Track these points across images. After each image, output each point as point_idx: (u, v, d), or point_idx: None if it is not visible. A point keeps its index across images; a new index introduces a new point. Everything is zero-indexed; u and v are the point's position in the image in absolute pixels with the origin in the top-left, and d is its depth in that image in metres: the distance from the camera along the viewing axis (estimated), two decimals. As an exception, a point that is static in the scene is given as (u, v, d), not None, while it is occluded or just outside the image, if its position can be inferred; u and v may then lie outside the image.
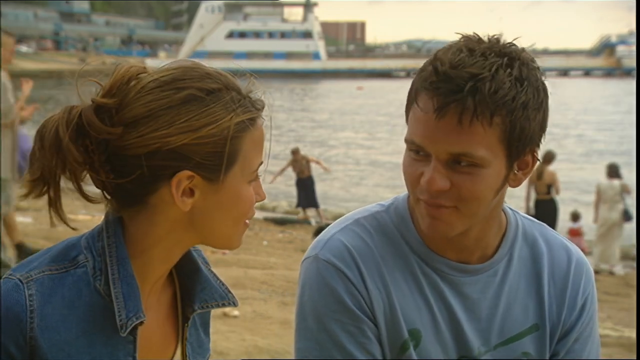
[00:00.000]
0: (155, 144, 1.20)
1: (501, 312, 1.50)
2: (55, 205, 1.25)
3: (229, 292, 1.40)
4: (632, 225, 11.71)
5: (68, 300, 1.22)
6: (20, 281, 1.20)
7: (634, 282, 10.27)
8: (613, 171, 11.96)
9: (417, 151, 1.39)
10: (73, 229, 1.28)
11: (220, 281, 1.41)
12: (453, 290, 1.49)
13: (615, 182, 11.77)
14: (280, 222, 14.54)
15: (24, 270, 1.22)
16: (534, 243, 1.55)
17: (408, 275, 1.49)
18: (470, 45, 1.35)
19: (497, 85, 1.30)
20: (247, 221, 1.32)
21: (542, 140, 1.41)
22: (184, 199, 1.23)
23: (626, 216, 11.67)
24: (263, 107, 1.30)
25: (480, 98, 1.30)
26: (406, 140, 1.41)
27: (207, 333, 1.45)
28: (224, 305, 1.40)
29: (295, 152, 15.58)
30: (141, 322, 1.24)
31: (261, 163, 1.29)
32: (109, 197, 1.27)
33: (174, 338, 1.38)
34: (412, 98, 1.39)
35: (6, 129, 6.52)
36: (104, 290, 1.24)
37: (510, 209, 1.56)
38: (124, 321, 1.23)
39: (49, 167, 1.22)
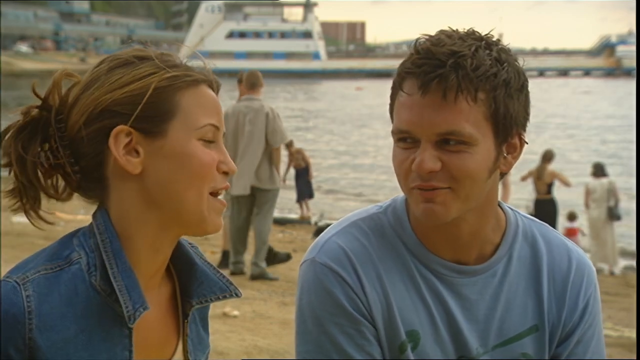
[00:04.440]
0: (89, 108, 1.25)
1: (499, 312, 1.50)
2: (34, 209, 1.29)
3: (230, 283, 1.39)
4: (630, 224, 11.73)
5: (65, 298, 1.22)
6: (17, 283, 1.21)
7: (634, 282, 10.26)
8: (599, 170, 12.01)
9: (404, 139, 1.40)
10: (51, 223, 1.30)
11: (221, 274, 1.40)
12: (450, 292, 1.48)
13: (604, 180, 11.82)
14: (280, 222, 14.54)
15: (20, 272, 1.23)
16: (534, 243, 1.54)
17: (406, 276, 1.49)
18: (447, 33, 1.39)
19: (478, 62, 1.34)
20: (219, 197, 1.30)
21: (527, 124, 1.44)
22: (128, 158, 1.25)
23: (614, 215, 11.64)
24: (210, 79, 1.32)
25: (463, 74, 1.33)
26: (393, 132, 1.42)
27: (206, 329, 1.45)
28: (225, 297, 1.38)
29: (289, 145, 15.58)
30: (144, 313, 1.24)
31: (213, 125, 1.29)
32: (76, 189, 1.30)
33: (174, 334, 1.38)
34: (397, 87, 1.41)
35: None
36: (100, 285, 1.24)
37: (510, 208, 1.56)
38: (131, 312, 1.23)
39: (21, 181, 1.27)
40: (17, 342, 1.19)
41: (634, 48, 74.97)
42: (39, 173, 1.28)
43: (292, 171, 15.57)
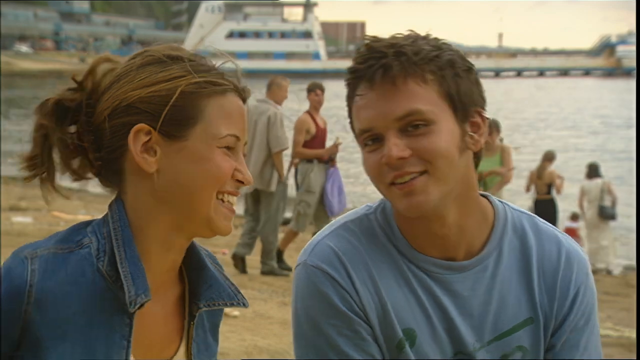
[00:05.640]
0: (116, 102, 1.27)
1: (494, 307, 1.50)
2: (49, 181, 1.31)
3: (238, 292, 1.40)
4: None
5: (71, 278, 1.24)
6: (26, 257, 1.24)
7: (634, 282, 10.26)
8: (593, 171, 12.03)
9: (370, 141, 1.43)
10: (66, 197, 1.34)
11: (230, 281, 1.41)
12: (442, 288, 1.49)
13: (598, 181, 11.83)
14: (281, 222, 14.49)
15: (31, 249, 1.26)
16: (523, 235, 1.53)
17: (398, 275, 1.50)
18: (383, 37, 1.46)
19: (418, 48, 1.40)
20: (228, 202, 1.30)
21: (485, 103, 1.47)
22: (145, 156, 1.26)
23: (606, 214, 11.64)
24: (237, 86, 1.32)
25: (406, 59, 1.39)
26: (357, 136, 1.45)
27: (215, 337, 1.44)
28: (232, 305, 1.39)
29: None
30: (146, 301, 1.25)
31: (234, 135, 1.30)
32: (97, 175, 1.33)
33: (178, 335, 1.38)
34: (351, 97, 1.45)
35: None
36: (107, 271, 1.25)
37: (500, 200, 1.56)
38: (133, 297, 1.24)
39: (46, 150, 1.30)
40: (14, 312, 1.21)
41: (634, 48, 74.94)
42: (63, 151, 1.30)
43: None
